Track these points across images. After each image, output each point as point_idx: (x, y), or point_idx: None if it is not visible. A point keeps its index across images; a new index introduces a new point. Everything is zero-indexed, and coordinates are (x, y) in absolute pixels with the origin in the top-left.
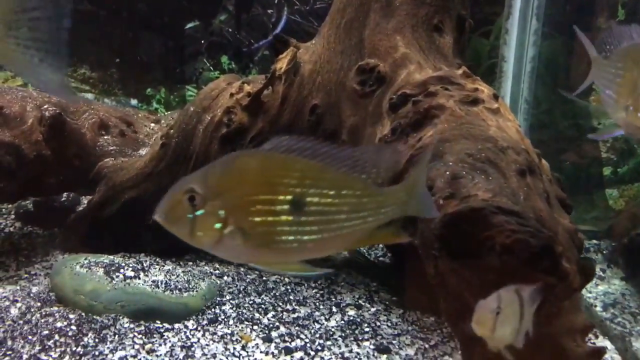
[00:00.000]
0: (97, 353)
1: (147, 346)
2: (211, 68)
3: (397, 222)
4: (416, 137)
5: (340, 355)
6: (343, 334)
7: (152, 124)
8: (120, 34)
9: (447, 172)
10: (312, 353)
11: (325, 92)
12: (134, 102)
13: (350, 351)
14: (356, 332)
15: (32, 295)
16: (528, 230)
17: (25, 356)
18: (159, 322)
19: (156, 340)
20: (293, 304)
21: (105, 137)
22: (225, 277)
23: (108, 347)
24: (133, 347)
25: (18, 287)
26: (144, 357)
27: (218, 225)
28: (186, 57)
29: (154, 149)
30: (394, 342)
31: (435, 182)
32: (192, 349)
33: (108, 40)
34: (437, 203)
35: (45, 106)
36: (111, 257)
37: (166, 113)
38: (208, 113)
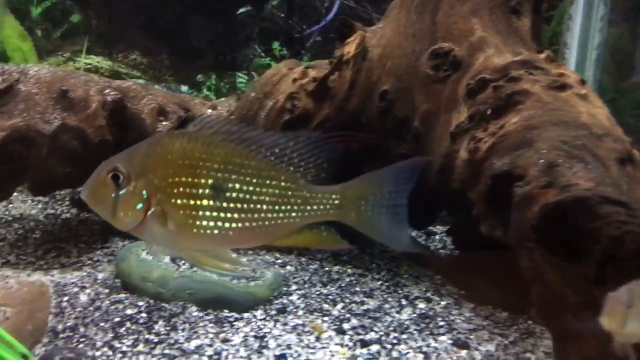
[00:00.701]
0: (172, 341)
1: (221, 335)
2: (262, 54)
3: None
4: (497, 124)
5: (418, 349)
6: (418, 328)
7: (209, 110)
8: (172, 20)
9: (542, 160)
10: (389, 346)
11: (395, 77)
12: (184, 88)
13: (428, 345)
14: (430, 325)
15: (98, 281)
16: (638, 222)
17: (99, 343)
18: (226, 311)
19: (228, 330)
20: (360, 296)
21: (164, 123)
22: (288, 267)
23: (182, 336)
24: (207, 336)
25: (84, 274)
26: (219, 346)
27: (140, 206)
28: (237, 43)
29: None
30: (471, 337)
31: (528, 170)
32: (266, 339)
33: (159, 26)
34: (531, 193)
35: (107, 90)
36: None
37: (221, 99)
38: (270, 99)
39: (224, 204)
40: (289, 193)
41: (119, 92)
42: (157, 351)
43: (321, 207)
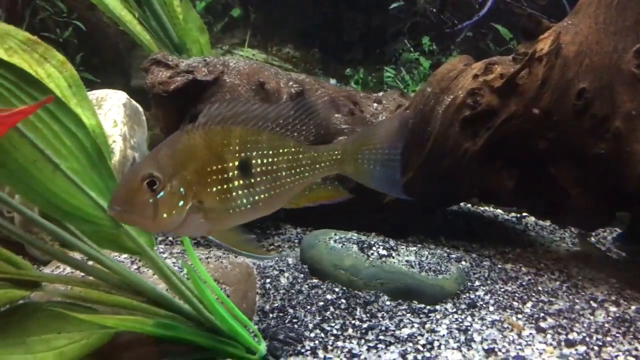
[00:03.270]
0: (382, 328)
1: (427, 326)
2: (411, 49)
3: (334, 181)
4: None
5: (627, 353)
6: (619, 331)
7: (375, 104)
8: (325, 14)
9: None
10: (596, 348)
11: (594, 75)
12: (332, 81)
13: (637, 349)
14: (632, 329)
15: (290, 266)
16: None
17: (310, 325)
18: (415, 302)
19: (428, 321)
20: (546, 295)
21: (337, 116)
22: (463, 262)
23: (392, 323)
24: (413, 326)
25: (277, 258)
26: (429, 336)
27: (181, 203)
28: (387, 37)
29: None
30: None
31: None
32: (469, 332)
33: (313, 21)
34: None
35: (290, 83)
36: (351, 234)
37: (384, 93)
38: (447, 94)
39: (252, 180)
40: (300, 156)
41: (299, 85)
42: (370, 337)
43: (327, 163)
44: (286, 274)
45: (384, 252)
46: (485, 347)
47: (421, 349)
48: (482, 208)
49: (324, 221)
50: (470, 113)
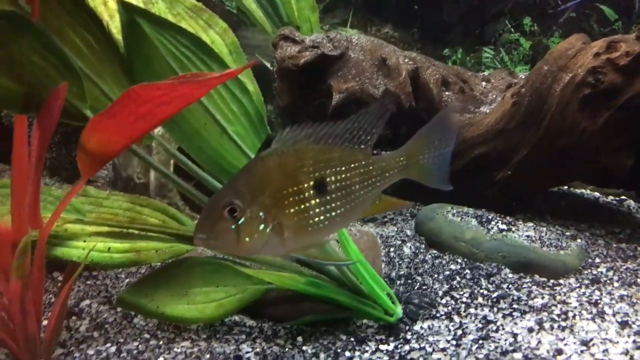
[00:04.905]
0: (515, 297)
1: (558, 297)
2: (512, 30)
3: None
4: None
5: None
6: None
7: (483, 83)
8: None
9: None
10: None
11: None
12: None
13: None
14: None
15: (409, 237)
16: None
17: (440, 292)
18: (537, 276)
19: (556, 293)
20: None
21: (447, 93)
22: (578, 240)
23: (523, 293)
24: (542, 297)
25: (396, 229)
26: (562, 307)
27: (262, 227)
28: (487, 17)
29: (504, 106)
30: None
31: None
32: (600, 305)
33: (413, 1)
34: None
35: (406, 60)
36: (466, 209)
37: (492, 72)
38: (566, 72)
39: (327, 197)
40: (370, 168)
41: (414, 62)
42: (502, 305)
43: (395, 170)
44: (408, 244)
45: (504, 227)
46: (619, 320)
47: (556, 318)
48: (578, 190)
49: (431, 197)
50: (590, 91)
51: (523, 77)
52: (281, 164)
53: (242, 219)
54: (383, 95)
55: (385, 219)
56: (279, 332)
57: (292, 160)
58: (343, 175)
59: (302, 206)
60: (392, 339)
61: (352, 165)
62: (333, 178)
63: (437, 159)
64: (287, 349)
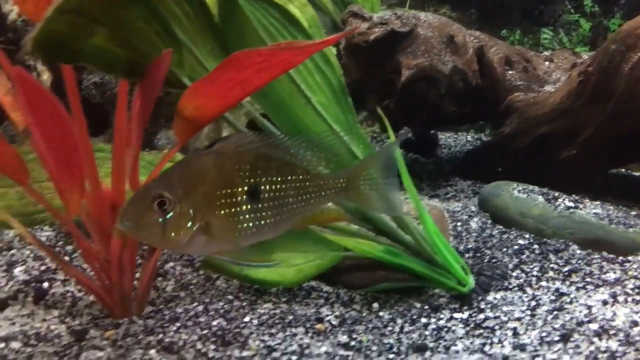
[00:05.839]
0: (587, 272)
1: (630, 273)
2: (571, 11)
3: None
4: None
5: None
6: None
7: (546, 62)
8: None
9: None
10: None
11: None
12: None
13: None
14: None
15: (475, 212)
16: None
17: (510, 265)
18: (604, 252)
19: (628, 269)
20: None
21: (511, 72)
22: None
23: (594, 268)
24: (614, 272)
25: (461, 204)
26: (635, 282)
27: (189, 224)
28: None
29: (570, 86)
30: None
31: None
32: None
33: None
34: None
35: (472, 38)
36: (531, 186)
37: (558, 50)
38: (634, 52)
39: (259, 205)
40: (307, 184)
41: (478, 40)
42: (575, 279)
43: (333, 190)
44: (475, 219)
45: (571, 204)
46: None
47: (630, 292)
48: (636, 173)
49: (492, 175)
50: None
51: (587, 57)
52: (218, 164)
53: (171, 214)
54: (452, 72)
55: (448, 195)
56: (355, 299)
57: (229, 162)
58: (277, 186)
59: (233, 210)
60: (465, 308)
61: (289, 178)
62: (267, 187)
63: (379, 187)
64: (364, 314)
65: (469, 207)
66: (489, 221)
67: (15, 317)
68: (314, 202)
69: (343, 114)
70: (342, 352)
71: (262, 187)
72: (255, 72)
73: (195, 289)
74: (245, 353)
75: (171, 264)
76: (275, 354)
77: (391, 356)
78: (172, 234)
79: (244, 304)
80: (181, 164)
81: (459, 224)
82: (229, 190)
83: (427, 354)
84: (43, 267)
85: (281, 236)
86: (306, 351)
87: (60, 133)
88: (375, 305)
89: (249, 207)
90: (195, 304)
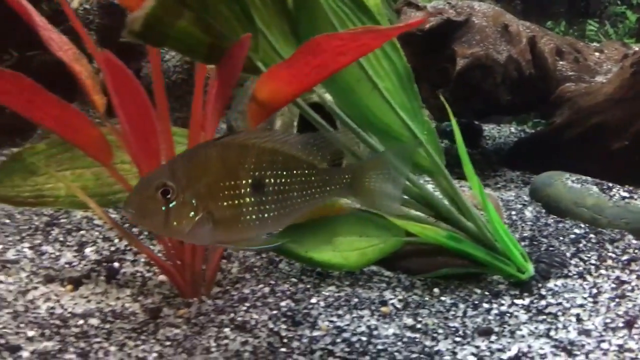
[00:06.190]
0: None
1: None
2: (618, 2)
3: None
4: None
5: None
6: None
7: (597, 53)
8: None
9: None
10: None
11: None
12: None
13: None
14: None
15: (528, 202)
16: None
17: (568, 254)
18: None
19: None
20: None
21: (561, 63)
22: None
23: None
24: None
25: (513, 194)
26: None
27: (192, 214)
28: None
29: (622, 76)
30: None
31: None
32: None
33: None
34: None
35: (524, 27)
36: (584, 177)
37: (605, 42)
38: None
39: (262, 198)
40: (312, 178)
41: (530, 30)
42: (634, 267)
43: (337, 186)
44: (529, 208)
45: (626, 194)
46: None
47: None
48: None
49: (542, 165)
50: None
51: (638, 48)
52: (223, 156)
53: (174, 203)
54: (507, 61)
55: (498, 185)
56: (415, 284)
57: (234, 154)
58: (282, 180)
59: (236, 202)
60: (526, 294)
61: (294, 172)
62: (272, 180)
63: (384, 186)
64: (426, 298)
65: (521, 197)
66: (543, 210)
67: (90, 295)
68: (319, 197)
69: (409, 100)
70: (409, 334)
71: (267, 180)
72: (333, 56)
73: (259, 271)
74: (315, 333)
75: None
76: (346, 335)
77: (457, 339)
78: (175, 222)
79: (308, 286)
80: (186, 154)
81: (513, 212)
82: (232, 182)
83: (493, 337)
84: (112, 248)
85: (344, 220)
86: (374, 332)
87: (141, 115)
88: (436, 290)
89: (252, 199)
90: (261, 285)
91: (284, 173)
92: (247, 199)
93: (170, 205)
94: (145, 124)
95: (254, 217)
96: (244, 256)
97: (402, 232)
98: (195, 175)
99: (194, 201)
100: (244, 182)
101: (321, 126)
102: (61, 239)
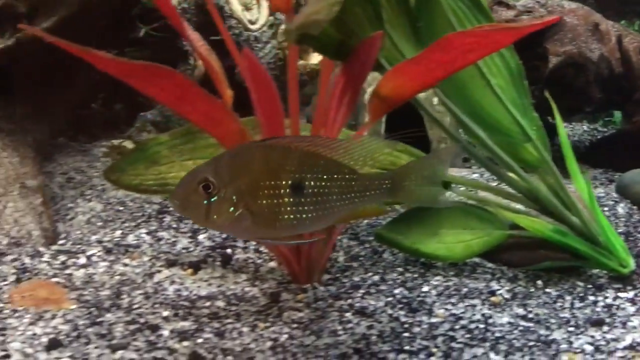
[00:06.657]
0: None
1: None
2: None
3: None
4: None
5: None
6: None
7: None
8: None
9: None
10: None
11: None
12: None
13: None
14: None
15: (619, 199)
16: None
17: None
18: None
19: None
20: None
21: None
22: None
23: None
24: None
25: (602, 191)
26: None
27: (231, 209)
28: None
29: None
30: None
31: None
32: None
33: None
34: None
35: (610, 26)
36: None
37: None
38: None
39: (302, 200)
40: (352, 184)
41: (616, 29)
42: None
43: (377, 191)
44: (621, 204)
45: None
46: None
47: None
48: None
49: (625, 163)
50: None
51: None
52: (265, 157)
53: (215, 198)
54: (599, 59)
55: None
56: (518, 276)
57: (277, 156)
58: (322, 183)
59: (275, 201)
60: (630, 288)
61: (334, 176)
62: (312, 183)
63: (426, 186)
64: (531, 290)
65: (611, 194)
66: (636, 207)
67: (210, 279)
68: (359, 201)
69: (519, 96)
70: (523, 323)
71: (307, 183)
72: (463, 53)
73: (365, 260)
74: (433, 319)
75: (338, 236)
76: (463, 322)
77: (571, 329)
78: (215, 216)
79: (416, 275)
80: (231, 153)
81: (605, 209)
82: (272, 182)
83: (605, 328)
84: (224, 235)
85: (448, 212)
86: (489, 320)
87: (272, 110)
88: (540, 282)
89: (291, 200)
90: (370, 273)
91: (324, 177)
92: (286, 199)
93: (212, 199)
94: (275, 118)
95: (291, 216)
96: (348, 245)
97: (505, 225)
98: (237, 173)
99: (234, 197)
100: (283, 182)
101: (434, 120)
102: (174, 225)
